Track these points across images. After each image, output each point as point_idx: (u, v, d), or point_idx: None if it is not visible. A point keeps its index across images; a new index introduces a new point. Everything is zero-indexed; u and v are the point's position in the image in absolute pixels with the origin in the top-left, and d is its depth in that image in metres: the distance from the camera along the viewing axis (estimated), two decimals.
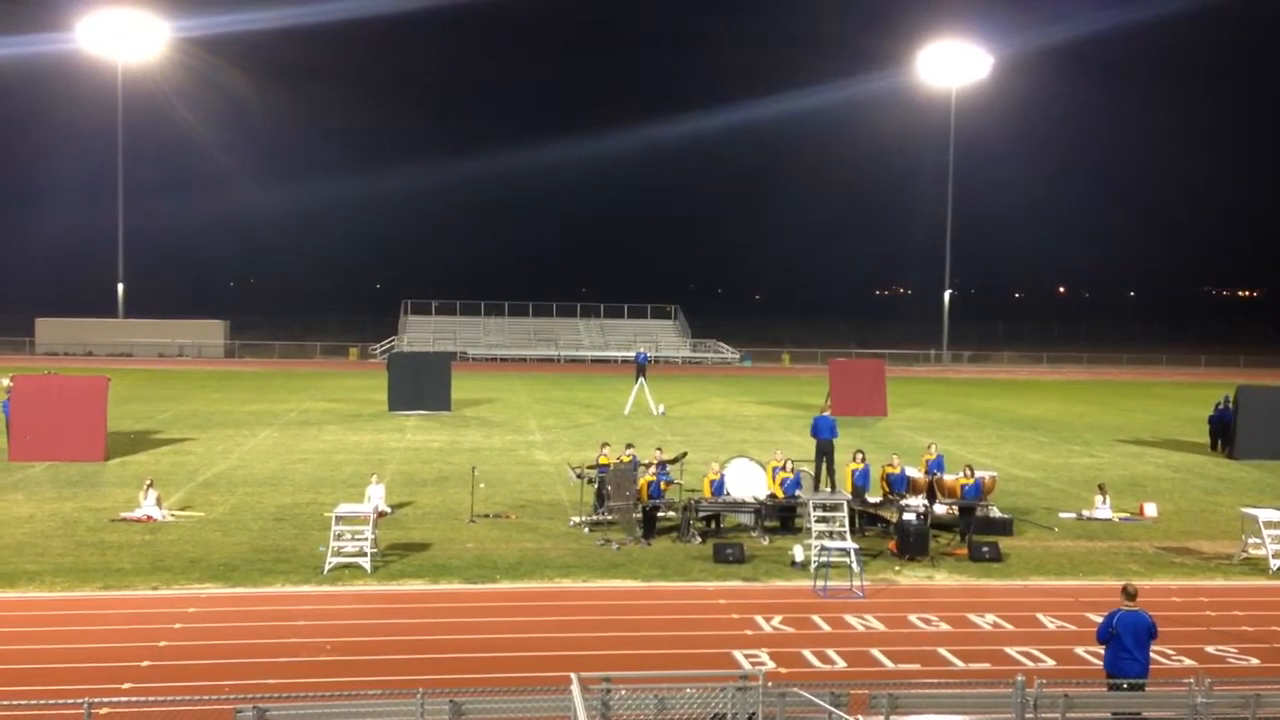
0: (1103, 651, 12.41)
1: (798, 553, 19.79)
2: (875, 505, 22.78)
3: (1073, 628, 16.39)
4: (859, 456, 23.46)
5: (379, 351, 78.27)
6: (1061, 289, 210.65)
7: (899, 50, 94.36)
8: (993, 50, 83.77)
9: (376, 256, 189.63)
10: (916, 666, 14.68)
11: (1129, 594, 12.40)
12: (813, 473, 25.19)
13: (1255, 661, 15.30)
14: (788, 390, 57.19)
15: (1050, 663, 14.95)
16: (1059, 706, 10.81)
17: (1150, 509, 25.03)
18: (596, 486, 22.79)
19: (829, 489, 25.04)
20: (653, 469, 22.08)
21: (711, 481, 22.33)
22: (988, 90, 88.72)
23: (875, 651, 15.30)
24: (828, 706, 10.32)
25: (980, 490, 22.44)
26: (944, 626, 16.53)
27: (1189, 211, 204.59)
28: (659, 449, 24.20)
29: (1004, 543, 21.21)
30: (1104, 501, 24.83)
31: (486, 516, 23.22)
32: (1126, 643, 11.99)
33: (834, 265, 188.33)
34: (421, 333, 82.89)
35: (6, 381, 31.08)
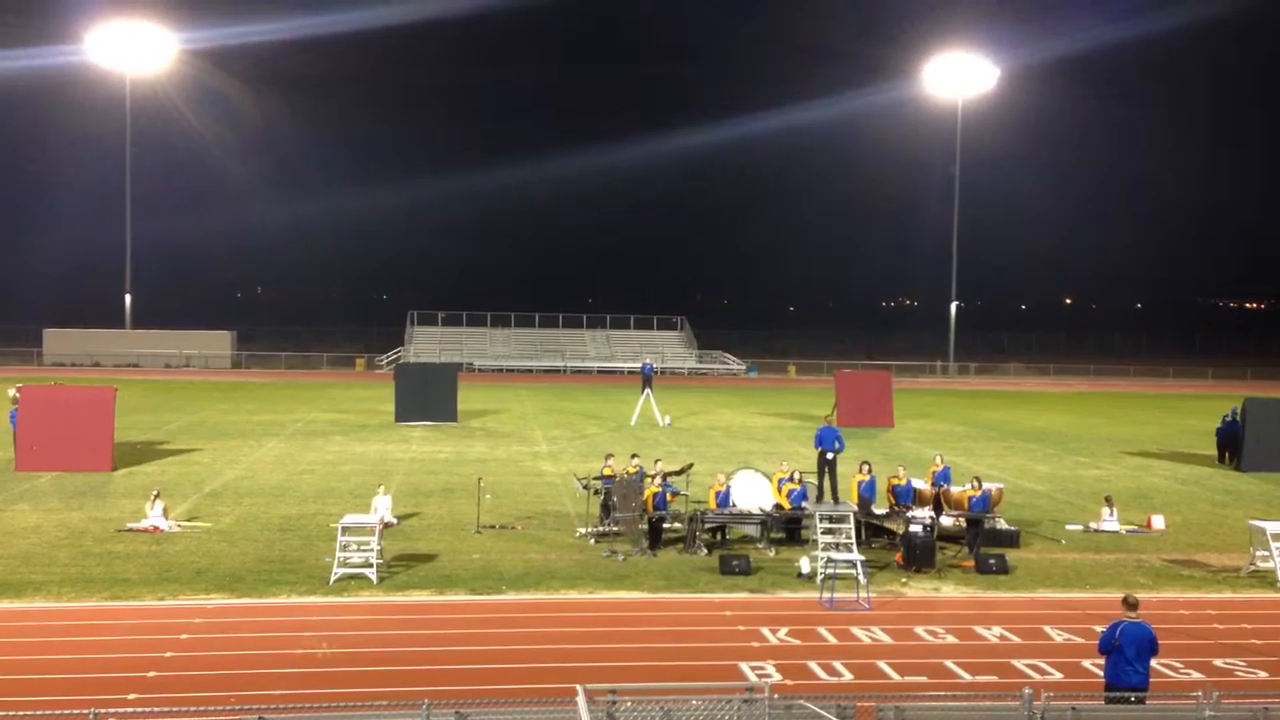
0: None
1: (804, 564, 19.76)
2: (881, 517, 22.74)
3: (1080, 640, 16.33)
4: (865, 468, 23.42)
5: (385, 362, 78.36)
6: (1068, 300, 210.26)
7: (906, 62, 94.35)
8: (999, 62, 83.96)
9: (383, 267, 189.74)
10: (923, 679, 14.65)
11: (1130, 604, 12.38)
12: (817, 484, 25.16)
13: (1264, 675, 15.23)
14: (794, 401, 57.15)
15: (1057, 675, 14.90)
16: None
17: (1158, 521, 24.96)
18: (602, 498, 22.77)
19: (832, 500, 24.99)
20: (658, 480, 22.08)
21: (717, 493, 22.31)
22: (994, 102, 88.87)
23: (882, 664, 15.26)
24: (834, 719, 10.29)
25: (988, 502, 22.39)
26: (950, 639, 16.48)
27: (1197, 223, 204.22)
28: (658, 460, 24.19)
29: (1011, 555, 21.16)
30: (1111, 514, 24.77)
31: (492, 527, 23.22)
32: (1128, 654, 11.96)
33: (840, 276, 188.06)
34: (428, 344, 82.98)
35: (13, 392, 31.16)
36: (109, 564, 19.54)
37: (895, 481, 23.21)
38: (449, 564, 20.11)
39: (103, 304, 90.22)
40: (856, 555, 18.96)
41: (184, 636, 15.70)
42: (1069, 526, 24.68)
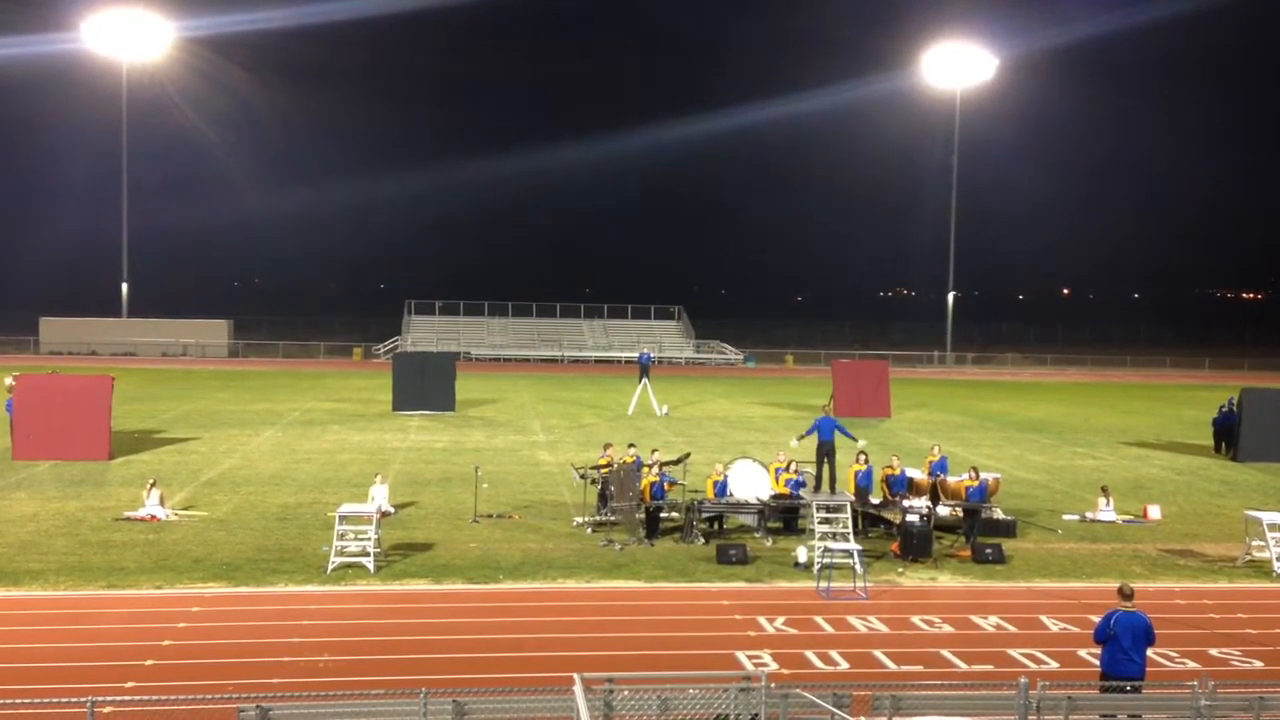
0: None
1: (801, 554, 19.79)
2: (878, 507, 22.77)
3: (1076, 630, 16.37)
4: (862, 458, 23.45)
5: (383, 351, 78.30)
6: (1066, 290, 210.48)
7: (904, 52, 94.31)
8: (997, 52, 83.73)
9: (381, 256, 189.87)
10: (919, 668, 14.68)
11: (1125, 594, 12.41)
12: (814, 474, 25.20)
13: (1259, 664, 15.28)
14: (791, 391, 57.17)
15: (1053, 665, 14.94)
16: (1062, 708, 10.80)
17: (1154, 511, 25.00)
18: (600, 487, 22.78)
19: (829, 490, 25.04)
20: (655, 469, 22.10)
21: (715, 482, 22.32)
22: (992, 92, 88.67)
23: (878, 653, 15.29)
24: (830, 708, 10.31)
25: (985, 492, 22.41)
26: (947, 628, 16.52)
27: (1194, 213, 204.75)
28: (655, 449, 24.22)
29: (1007, 545, 21.20)
30: (1107, 504, 24.81)
31: (490, 517, 23.23)
32: (1124, 643, 11.99)
33: (838, 266, 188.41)
34: (425, 333, 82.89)
35: (9, 381, 31.12)
36: (106, 552, 19.54)
37: (889, 471, 23.24)
38: (446, 553, 20.12)
39: (99, 293, 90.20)
40: (853, 545, 18.98)
41: (181, 625, 15.72)
42: (1065, 516, 24.71)
